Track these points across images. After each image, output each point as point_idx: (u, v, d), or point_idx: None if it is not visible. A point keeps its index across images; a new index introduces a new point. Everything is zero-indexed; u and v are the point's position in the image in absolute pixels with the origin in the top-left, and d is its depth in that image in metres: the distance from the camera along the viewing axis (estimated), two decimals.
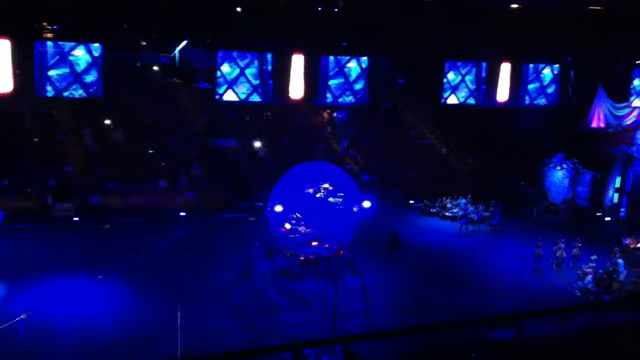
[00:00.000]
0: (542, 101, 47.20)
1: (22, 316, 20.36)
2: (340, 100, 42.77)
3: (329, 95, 42.10)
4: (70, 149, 36.04)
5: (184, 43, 39.03)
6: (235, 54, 39.12)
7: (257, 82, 39.66)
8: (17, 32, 33.72)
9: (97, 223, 32.02)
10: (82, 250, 28.17)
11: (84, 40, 35.88)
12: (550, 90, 47.17)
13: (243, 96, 39.66)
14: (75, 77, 35.74)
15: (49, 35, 36.03)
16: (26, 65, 34.22)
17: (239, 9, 38.58)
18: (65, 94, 35.77)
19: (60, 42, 35.44)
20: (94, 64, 36.09)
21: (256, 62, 39.54)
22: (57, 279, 24.62)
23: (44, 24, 36.08)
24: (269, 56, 39.76)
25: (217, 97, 39.42)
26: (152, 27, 38.24)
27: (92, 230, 31.28)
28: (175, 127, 40.14)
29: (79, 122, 37.15)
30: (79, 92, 36.04)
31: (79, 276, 25.00)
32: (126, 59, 39.33)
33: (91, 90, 36.27)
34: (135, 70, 39.96)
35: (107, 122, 38.25)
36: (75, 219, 31.34)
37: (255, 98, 40.12)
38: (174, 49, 39.47)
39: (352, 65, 42.36)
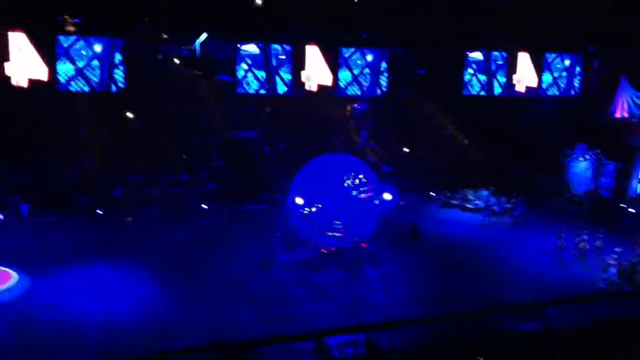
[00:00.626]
0: (564, 91, 46.68)
1: (47, 308, 20.70)
2: (359, 91, 42.66)
3: (348, 86, 42.02)
4: (91, 142, 36.33)
5: (204, 35, 39.11)
6: (254, 45, 39.14)
7: (274, 73, 39.68)
8: (39, 26, 34.00)
9: (119, 215, 32.31)
10: (104, 242, 28.46)
11: (105, 33, 36.11)
12: (573, 80, 46.63)
13: (260, 88, 39.72)
14: (96, 70, 35.99)
15: (71, 28, 36.29)
16: (47, 58, 34.49)
17: (258, 1, 38.57)
18: (86, 87, 36.06)
19: (81, 35, 35.68)
20: (115, 57, 36.32)
21: (274, 53, 39.54)
22: (81, 271, 24.92)
23: (66, 17, 36.35)
24: (287, 47, 39.75)
25: (238, 89, 39.55)
26: (173, 20, 38.37)
27: (114, 222, 31.57)
28: (196, 119, 40.29)
29: (100, 115, 37.41)
30: (100, 85, 36.31)
31: (102, 268, 25.26)
32: (147, 52, 39.49)
33: (112, 83, 36.52)
34: (156, 63, 40.12)
35: (129, 114, 38.48)
36: (98, 211, 31.62)
37: (272, 90, 40.16)
38: (195, 42, 39.59)
39: (372, 56, 42.20)
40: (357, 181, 27.21)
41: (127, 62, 36.50)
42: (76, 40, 35.43)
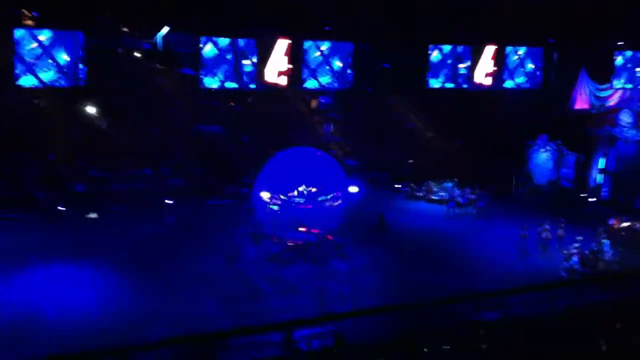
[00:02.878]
0: (525, 83, 47.36)
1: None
2: (324, 85, 42.65)
3: (312, 80, 41.97)
4: (53, 137, 35.66)
5: (166, 28, 38.64)
6: (214, 39, 38.79)
7: (238, 67, 39.40)
8: None
9: (82, 211, 31.77)
10: (66, 238, 27.96)
11: (65, 27, 35.40)
12: (533, 72, 47.32)
13: (224, 82, 39.41)
14: (56, 64, 35.28)
15: (29, 22, 35.52)
16: (4, 53, 33.72)
17: None
18: (46, 81, 35.34)
19: (40, 29, 34.95)
20: (75, 50, 35.67)
21: (236, 47, 39.26)
22: (41, 268, 24.46)
23: (23, 10, 35.57)
24: (250, 41, 39.50)
25: (201, 83, 39.18)
26: (134, 13, 37.83)
27: (77, 219, 31.02)
28: (159, 114, 39.84)
29: (61, 110, 36.73)
30: (60, 80, 35.62)
31: (63, 264, 24.85)
32: (108, 45, 38.88)
33: (72, 77, 35.84)
34: (116, 57, 39.53)
35: (90, 109, 37.84)
36: (60, 208, 31.04)
37: (234, 84, 39.89)
38: (157, 35, 39.09)
39: (336, 49, 42.20)
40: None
41: (87, 56, 35.87)
42: (34, 34, 34.66)
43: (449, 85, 45.32)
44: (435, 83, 44.71)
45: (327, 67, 42.03)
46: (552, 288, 23.72)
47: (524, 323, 21.47)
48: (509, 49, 46.07)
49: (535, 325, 21.25)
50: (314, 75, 41.87)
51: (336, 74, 42.52)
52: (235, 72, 39.48)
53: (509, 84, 46.57)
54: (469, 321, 21.54)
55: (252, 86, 40.38)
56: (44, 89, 35.75)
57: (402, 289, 24.53)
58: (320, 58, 41.82)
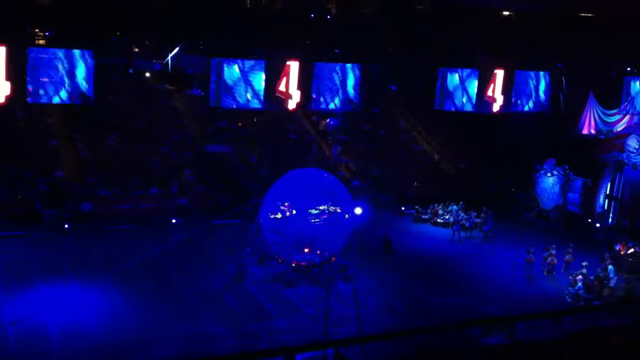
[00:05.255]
0: (534, 107, 47.47)
1: (10, 323, 20.35)
2: (332, 106, 42.92)
3: (321, 101, 42.27)
4: (61, 155, 35.93)
5: (176, 49, 39.11)
6: (225, 60, 39.23)
7: (247, 88, 39.80)
8: (9, 38, 33.69)
9: (88, 230, 31.88)
10: (72, 256, 28.04)
11: (77, 46, 35.89)
12: (542, 96, 47.47)
13: (233, 103, 39.79)
14: (67, 83, 35.73)
15: (41, 41, 36.05)
16: (17, 71, 34.15)
17: (232, 16, 38.77)
18: (57, 99, 35.74)
19: (52, 48, 35.42)
20: (86, 70, 36.09)
21: (245, 68, 39.68)
22: (48, 286, 24.52)
23: (36, 30, 36.12)
24: (260, 62, 39.90)
25: (210, 103, 39.55)
26: (145, 34, 38.36)
27: (83, 236, 31.13)
28: (167, 133, 40.13)
29: (70, 128, 37.08)
30: (70, 98, 36.01)
31: (69, 283, 24.91)
32: (119, 65, 39.35)
33: (83, 96, 36.23)
34: (127, 77, 39.97)
35: (99, 128, 38.19)
36: (65, 225, 31.18)
37: (242, 105, 40.20)
38: (167, 55, 39.55)
39: (345, 71, 42.53)
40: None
41: (98, 75, 36.27)
42: (46, 53, 35.15)
43: (457, 107, 45.50)
44: (442, 105, 44.91)
45: (336, 89, 42.36)
46: (556, 315, 23.71)
47: (528, 348, 21.44)
48: (518, 72, 46.30)
49: (540, 350, 21.21)
50: (322, 96, 42.17)
51: (344, 96, 42.82)
52: (244, 92, 39.85)
53: (516, 107, 46.71)
54: (475, 345, 21.54)
55: (259, 106, 40.73)
56: (54, 107, 36.17)
57: (406, 312, 24.49)
58: (329, 79, 42.16)
